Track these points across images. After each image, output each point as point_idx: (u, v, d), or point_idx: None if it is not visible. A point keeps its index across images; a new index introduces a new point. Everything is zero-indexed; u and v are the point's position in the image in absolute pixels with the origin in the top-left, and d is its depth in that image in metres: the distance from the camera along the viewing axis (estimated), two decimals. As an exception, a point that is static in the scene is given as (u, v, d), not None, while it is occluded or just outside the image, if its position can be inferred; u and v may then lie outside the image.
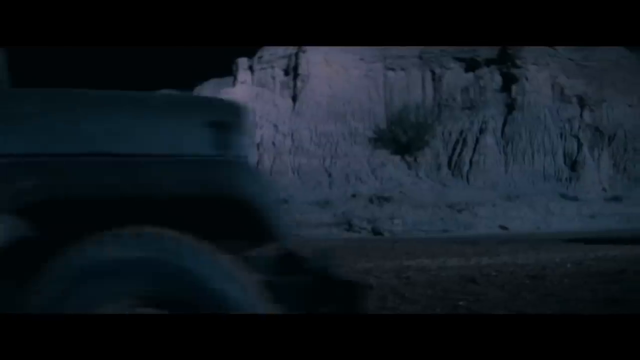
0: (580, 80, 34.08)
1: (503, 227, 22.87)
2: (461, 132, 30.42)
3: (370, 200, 24.61)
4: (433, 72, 32.13)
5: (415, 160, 28.51)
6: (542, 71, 33.13)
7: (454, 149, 29.99)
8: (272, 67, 31.47)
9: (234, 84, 31.41)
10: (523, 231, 22.03)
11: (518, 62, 32.71)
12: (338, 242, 15.98)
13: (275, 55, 31.09)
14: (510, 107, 32.06)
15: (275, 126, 29.43)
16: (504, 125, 31.38)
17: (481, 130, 30.51)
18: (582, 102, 33.94)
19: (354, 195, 25.51)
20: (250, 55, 31.91)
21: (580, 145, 31.91)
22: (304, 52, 29.78)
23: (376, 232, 21.07)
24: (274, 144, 29.02)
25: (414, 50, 31.31)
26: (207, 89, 31.80)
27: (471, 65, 32.60)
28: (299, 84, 30.27)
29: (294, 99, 30.34)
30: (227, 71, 32.55)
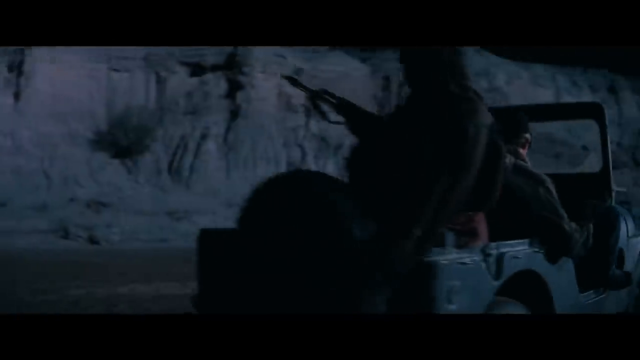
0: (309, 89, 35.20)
1: (223, 237, 22.92)
2: (183, 137, 30.48)
3: (88, 206, 23.99)
4: (158, 75, 31.91)
5: (135, 164, 28.15)
6: (270, 79, 33.79)
7: (174, 154, 29.98)
8: (-3, 64, 29.27)
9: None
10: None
11: (245, 69, 33.19)
12: (51, 257, 15.44)
13: None
14: (234, 113, 32.64)
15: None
16: (227, 132, 31.87)
17: (203, 136, 30.78)
18: (308, 112, 35.06)
19: (72, 200, 24.66)
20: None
21: (304, 155, 33.11)
22: (29, 48, 28.08)
23: (93, 241, 20.56)
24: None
25: (140, 51, 30.89)
26: None
27: (197, 70, 32.79)
28: (22, 82, 28.46)
29: (17, 97, 28.47)
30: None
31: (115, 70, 30.70)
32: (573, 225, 3.66)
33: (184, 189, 28.51)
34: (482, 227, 3.09)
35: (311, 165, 32.82)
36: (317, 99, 3.42)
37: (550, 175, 3.85)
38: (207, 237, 3.56)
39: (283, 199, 2.91)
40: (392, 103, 38.73)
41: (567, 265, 3.69)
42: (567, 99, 46.70)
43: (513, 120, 3.93)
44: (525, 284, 3.29)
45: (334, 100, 3.37)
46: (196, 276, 3.42)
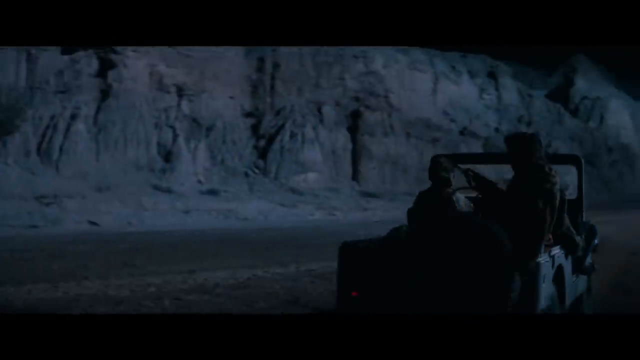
0: (181, 69, 35.07)
1: (93, 223, 22.62)
2: (52, 117, 30.24)
3: (-45, 189, 23.76)
4: (29, 53, 31.43)
5: (4, 145, 27.86)
6: (142, 58, 33.67)
7: (44, 135, 29.72)
8: None
9: None
10: (114, 228, 21.91)
11: (117, 47, 32.97)
12: None
13: None
14: (105, 93, 32.41)
15: None
16: (97, 112, 31.76)
17: (73, 117, 30.63)
18: (180, 92, 35.08)
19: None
20: None
21: (176, 136, 33.40)
22: None
23: (-36, 229, 20.46)
24: None
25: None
26: None
27: (68, 48, 32.35)
28: None
29: None
30: None
31: (-14, 47, 30.01)
32: (578, 237, 6.34)
33: (53, 172, 28.40)
34: (552, 240, 5.69)
35: (182, 146, 33.05)
36: (465, 174, 5.80)
37: None
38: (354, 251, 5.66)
39: (453, 230, 5.05)
40: (266, 85, 39.23)
41: (570, 261, 6.21)
42: (446, 84, 48.30)
43: None
44: (556, 273, 5.60)
45: (471, 174, 5.85)
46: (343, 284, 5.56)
